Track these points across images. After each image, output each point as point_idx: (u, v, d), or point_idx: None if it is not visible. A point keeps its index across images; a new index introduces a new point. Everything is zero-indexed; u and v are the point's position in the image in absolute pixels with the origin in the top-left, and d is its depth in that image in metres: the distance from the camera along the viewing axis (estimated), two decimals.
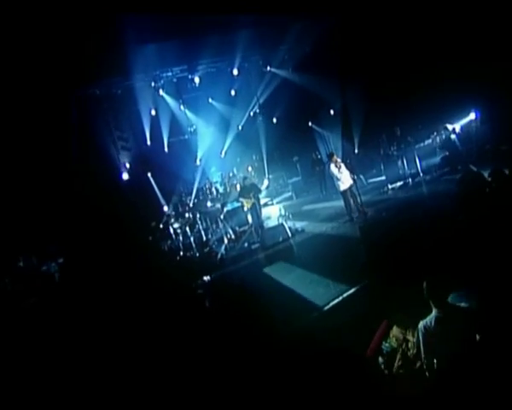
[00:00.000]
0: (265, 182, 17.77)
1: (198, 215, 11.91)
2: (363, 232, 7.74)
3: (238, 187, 13.10)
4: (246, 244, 10.93)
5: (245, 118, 19.00)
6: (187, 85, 15.78)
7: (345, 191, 9.76)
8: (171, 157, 17.18)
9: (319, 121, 17.14)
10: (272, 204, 16.60)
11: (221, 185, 18.18)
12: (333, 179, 10.07)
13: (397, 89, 13.06)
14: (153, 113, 15.96)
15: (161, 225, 11.05)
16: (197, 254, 10.52)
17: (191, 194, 16.75)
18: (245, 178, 11.46)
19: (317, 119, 17.14)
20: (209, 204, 15.98)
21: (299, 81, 15.71)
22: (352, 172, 9.83)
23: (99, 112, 13.51)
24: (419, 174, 11.84)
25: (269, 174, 19.16)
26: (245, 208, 11.47)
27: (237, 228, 12.67)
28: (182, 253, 10.88)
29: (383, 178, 13.22)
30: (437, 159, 12.21)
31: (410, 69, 12.69)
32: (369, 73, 13.67)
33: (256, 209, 10.97)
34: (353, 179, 9.75)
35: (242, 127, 19.54)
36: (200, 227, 11.75)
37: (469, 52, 11.02)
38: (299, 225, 11.04)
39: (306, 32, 14.73)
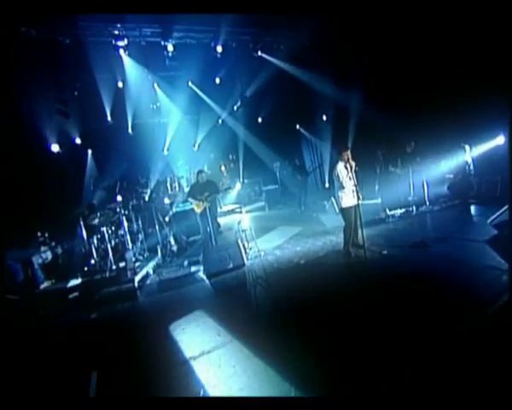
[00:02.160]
0: (238, 186, 14.26)
1: (133, 212, 8.12)
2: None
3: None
4: (186, 263, 7.23)
5: (227, 111, 15.42)
6: (159, 56, 12.03)
7: (348, 209, 6.15)
8: (135, 140, 13.40)
9: (308, 126, 13.67)
10: (241, 212, 12.97)
11: (187, 182, 14.50)
12: (332, 188, 6.47)
13: (408, 98, 9.70)
14: (119, 85, 12.16)
15: (74, 220, 7.13)
16: (107, 270, 6.62)
17: (148, 186, 13.08)
18: (199, 173, 7.80)
19: (307, 122, 13.67)
20: (167, 201, 12.26)
21: (293, 74, 12.19)
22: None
23: (33, 60, 9.61)
24: (425, 203, 8.49)
25: (244, 178, 15.59)
26: (196, 211, 7.81)
27: (184, 237, 8.97)
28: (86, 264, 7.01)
29: (378, 201, 9.81)
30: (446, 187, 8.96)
31: (427, 75, 9.35)
32: (377, 76, 10.28)
33: (207, 216, 7.31)
34: (358, 195, 6.03)
35: (223, 121, 15.94)
36: (135, 228, 7.96)
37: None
38: (263, 247, 7.45)
39: (307, 21, 11.32)
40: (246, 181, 15.48)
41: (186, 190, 14.01)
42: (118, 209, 7.69)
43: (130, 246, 7.24)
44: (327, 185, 11.38)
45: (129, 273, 6.30)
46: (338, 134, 12.17)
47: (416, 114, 9.24)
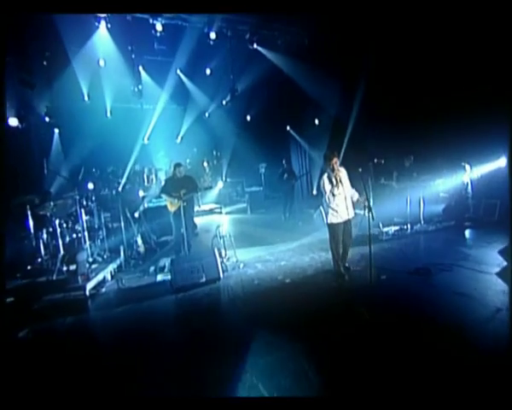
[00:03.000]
0: (219, 184, 13.11)
1: (96, 203, 6.84)
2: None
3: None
4: (152, 269, 6.05)
5: (215, 105, 14.25)
6: (147, 35, 10.69)
7: (334, 226, 5.13)
8: (112, 125, 12.02)
9: (299, 128, 12.68)
10: (221, 213, 11.86)
11: (166, 175, 13.23)
12: (320, 199, 5.46)
13: (410, 110, 8.89)
14: (101, 63, 10.74)
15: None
16: (55, 272, 5.34)
17: (122, 176, 11.78)
18: (177, 166, 6.63)
19: (298, 125, 12.67)
20: (141, 194, 10.99)
21: (288, 73, 11.15)
22: (362, 192, 5.07)
23: None
24: (420, 221, 7.65)
25: (226, 177, 14.47)
26: (169, 210, 6.63)
27: (154, 237, 7.76)
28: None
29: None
30: (441, 207, 8.19)
31: (431, 87, 8.56)
32: (378, 84, 9.41)
33: (181, 217, 6.16)
34: (366, 206, 4.90)
35: (209, 115, 14.75)
36: (96, 223, 6.69)
37: None
38: (242, 257, 6.39)
39: (308, 19, 10.33)
40: (228, 180, 14.37)
41: (162, 182, 12.79)
42: (78, 199, 6.43)
43: (87, 244, 6.00)
44: (314, 192, 10.46)
45: (80, 279, 5.07)
46: (330, 140, 11.24)
47: (416, 127, 8.44)
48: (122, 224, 6.67)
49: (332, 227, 5.13)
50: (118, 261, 6.22)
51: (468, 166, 7.56)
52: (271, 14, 10.53)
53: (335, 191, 4.91)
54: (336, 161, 4.93)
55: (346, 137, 10.72)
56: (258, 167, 13.63)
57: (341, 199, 4.98)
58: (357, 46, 9.76)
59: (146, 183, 11.88)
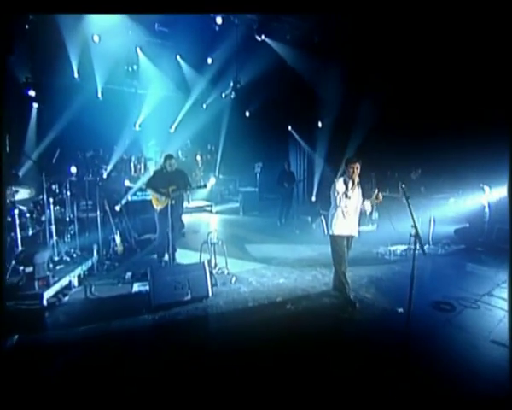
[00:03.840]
0: (212, 180, 12.07)
1: (72, 191, 5.77)
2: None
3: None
4: (128, 275, 5.03)
5: (213, 97, 13.18)
6: (147, 15, 9.56)
7: (340, 239, 4.38)
8: (103, 107, 10.81)
9: (301, 130, 11.76)
10: (211, 211, 10.87)
11: (155, 166, 12.14)
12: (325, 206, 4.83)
13: (421, 121, 8.09)
14: (95, 39, 9.56)
15: None
16: (6, 273, 4.26)
17: (109, 162, 10.67)
18: (168, 158, 5.59)
19: (300, 126, 11.75)
20: (127, 183, 9.92)
21: (294, 70, 10.19)
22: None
23: None
24: (428, 242, 6.85)
25: (220, 173, 13.45)
26: (155, 207, 5.61)
27: (135, 235, 6.73)
28: None
29: (372, 227, 8.19)
30: (450, 227, 7.44)
31: (446, 97, 7.77)
32: (390, 91, 8.56)
33: (167, 216, 5.14)
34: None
35: (207, 107, 13.67)
36: (68, 215, 5.62)
37: None
38: (235, 269, 5.44)
39: (321, 17, 9.40)
40: (221, 177, 13.34)
41: (152, 173, 11.69)
42: (49, 185, 5.35)
43: (54, 240, 4.93)
44: (313, 199, 9.60)
45: (36, 284, 4.02)
46: (332, 145, 10.39)
47: (430, 140, 7.63)
48: (99, 217, 5.59)
49: (336, 239, 4.40)
50: (89, 262, 5.16)
51: (487, 188, 6.78)
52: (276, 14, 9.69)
53: (349, 193, 4.23)
54: (358, 167, 4.22)
55: (350, 144, 9.87)
56: (254, 166, 12.64)
57: (352, 208, 4.33)
58: (370, 52, 8.89)
59: (133, 172, 10.78)
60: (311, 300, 4.46)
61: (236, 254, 6.21)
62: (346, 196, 4.22)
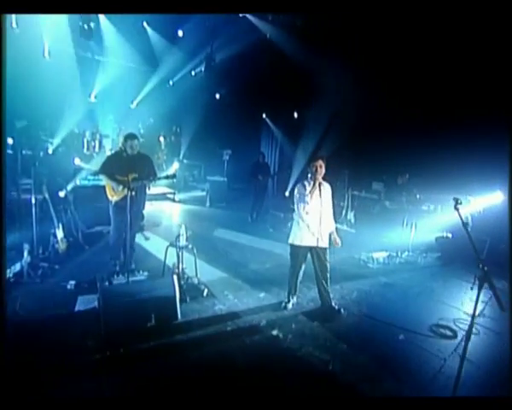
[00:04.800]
0: (175, 165, 10.83)
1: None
2: None
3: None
4: (70, 285, 3.84)
5: (182, 73, 11.74)
6: None
7: (295, 249, 3.86)
8: (50, 71, 8.91)
9: (276, 119, 10.84)
10: (174, 199, 9.66)
11: (112, 145, 10.57)
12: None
13: (411, 125, 7.51)
14: None
15: None
16: None
17: (56, 136, 9.03)
18: (130, 138, 4.34)
19: (275, 114, 10.82)
20: (78, 162, 8.39)
21: (277, 51, 9.07)
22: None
23: None
24: (408, 249, 6.38)
25: (184, 158, 12.17)
26: (110, 198, 4.40)
27: (84, 227, 5.42)
28: None
29: (349, 229, 7.64)
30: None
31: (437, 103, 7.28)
32: (377, 83, 7.89)
33: (125, 211, 4.00)
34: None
35: (174, 84, 12.18)
36: None
37: None
38: (206, 277, 4.46)
39: None
40: (185, 162, 12.07)
41: (107, 152, 10.10)
42: None
43: None
44: (287, 194, 8.84)
45: None
46: (308, 138, 9.65)
47: (418, 141, 7.12)
48: (34, 208, 4.25)
49: (292, 250, 3.91)
50: (17, 266, 3.87)
51: (472, 199, 6.43)
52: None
53: (308, 198, 3.59)
54: (321, 165, 3.62)
55: (327, 139, 9.19)
56: (222, 154, 11.59)
57: (314, 216, 3.67)
58: (357, 42, 8.14)
59: (85, 149, 9.20)
60: (300, 323, 3.66)
61: (205, 255, 5.19)
62: (304, 200, 3.60)
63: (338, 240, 3.86)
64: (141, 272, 4.30)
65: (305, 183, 3.70)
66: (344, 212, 8.35)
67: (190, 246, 4.41)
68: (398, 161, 7.29)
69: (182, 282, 4.14)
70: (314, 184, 3.60)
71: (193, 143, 12.10)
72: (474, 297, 2.36)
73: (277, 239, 6.80)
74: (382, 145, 8.04)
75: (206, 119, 11.69)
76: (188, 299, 3.83)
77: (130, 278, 3.86)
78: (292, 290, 3.98)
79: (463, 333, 3.70)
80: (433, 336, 3.65)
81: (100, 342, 2.91)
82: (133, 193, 4.16)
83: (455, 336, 3.69)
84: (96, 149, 9.62)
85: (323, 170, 3.63)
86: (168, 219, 7.62)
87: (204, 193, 10.21)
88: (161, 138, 11.22)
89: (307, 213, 3.64)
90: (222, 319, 3.56)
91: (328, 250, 3.81)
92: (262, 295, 4.26)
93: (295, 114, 10.09)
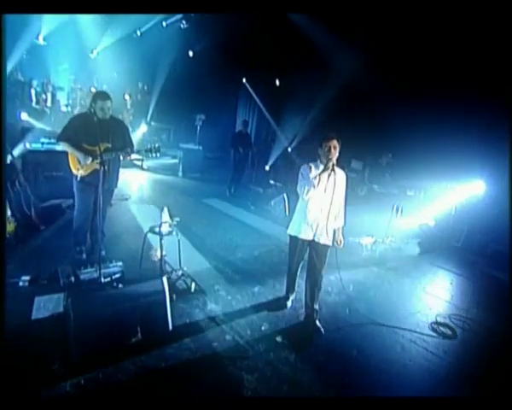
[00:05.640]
0: (143, 128, 9.68)
1: None
2: None
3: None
4: (23, 281, 3.00)
5: (152, 23, 10.14)
6: None
7: (294, 241, 3.21)
8: None
9: (256, 84, 9.90)
10: (141, 168, 8.61)
11: (67, 99, 9.04)
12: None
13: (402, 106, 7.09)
14: None
15: None
16: None
17: None
18: (100, 98, 3.40)
19: (255, 79, 9.86)
20: (25, 117, 7.00)
21: (261, 14, 8.03)
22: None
23: None
24: (392, 235, 6.17)
25: (151, 120, 10.91)
26: (75, 173, 3.49)
27: (38, 202, 4.41)
28: None
29: None
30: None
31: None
32: (365, 55, 7.30)
33: (98, 189, 3.16)
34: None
35: (142, 35, 10.56)
36: None
37: None
38: (191, 270, 3.81)
39: None
40: (153, 124, 10.84)
41: (63, 111, 8.64)
42: None
43: None
44: (267, 168, 8.23)
45: None
46: (289, 110, 8.94)
47: (404, 119, 6.74)
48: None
49: (291, 241, 3.29)
50: None
51: (457, 186, 6.30)
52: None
53: (316, 183, 2.88)
54: (335, 146, 2.90)
55: (310, 111, 8.58)
56: (195, 118, 10.54)
57: (319, 204, 3.01)
58: (345, 15, 7.35)
59: (34, 102, 7.71)
60: (301, 332, 3.19)
61: (185, 238, 4.51)
62: (309, 183, 2.89)
63: (341, 240, 3.29)
64: (113, 262, 3.53)
65: (312, 165, 3.03)
66: None
67: (175, 233, 3.72)
68: (380, 141, 6.96)
69: (164, 268, 3.50)
70: (326, 167, 2.91)
71: (162, 103, 10.81)
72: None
73: (260, 216, 6.33)
74: (366, 123, 7.68)
75: (178, 78, 10.43)
76: (174, 297, 3.20)
77: (103, 270, 3.17)
78: (290, 286, 3.50)
79: (459, 330, 3.58)
80: (435, 337, 3.44)
81: (69, 368, 2.23)
82: (106, 167, 3.31)
83: (454, 335, 3.52)
84: (48, 104, 8.13)
85: (337, 152, 2.96)
86: (139, 190, 6.70)
87: (175, 160, 9.25)
88: (127, 96, 9.82)
89: (311, 198, 2.99)
90: (217, 324, 3.00)
91: (328, 250, 3.18)
92: (256, 289, 3.75)
93: (277, 82, 9.23)
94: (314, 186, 2.89)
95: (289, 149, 8.79)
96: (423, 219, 6.50)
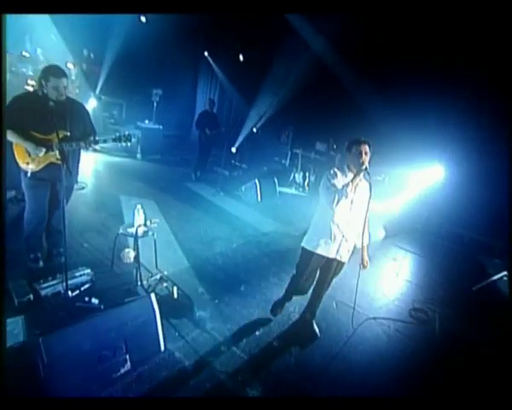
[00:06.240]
0: (92, 102, 8.61)
1: None
2: None
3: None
4: None
5: None
6: None
7: (309, 255, 2.71)
8: None
9: (219, 59, 9.20)
10: (94, 149, 7.64)
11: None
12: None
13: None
14: None
15: None
16: None
17: None
18: (52, 73, 2.72)
19: (220, 54, 9.14)
20: None
21: None
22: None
23: None
24: None
25: (101, 93, 9.70)
26: (23, 167, 2.83)
27: None
28: None
29: (301, 192, 7.24)
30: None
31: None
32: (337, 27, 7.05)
33: (52, 187, 2.62)
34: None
35: None
36: None
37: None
38: (169, 271, 3.44)
39: None
40: (103, 98, 9.66)
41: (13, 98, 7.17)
42: None
43: None
44: (233, 150, 7.80)
45: None
46: (257, 86, 8.48)
47: (375, 100, 6.73)
48: None
49: (304, 255, 2.76)
50: None
51: (420, 171, 6.55)
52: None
53: (348, 193, 2.42)
54: (366, 152, 2.49)
55: (270, 90, 8.22)
56: (151, 93, 9.58)
57: (345, 218, 2.60)
58: None
59: None
60: (296, 334, 3.08)
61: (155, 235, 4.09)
62: (342, 192, 2.42)
63: (367, 261, 2.81)
64: (80, 269, 3.04)
65: (338, 171, 2.58)
66: (292, 174, 7.90)
67: (151, 233, 3.30)
68: (351, 126, 6.93)
69: (144, 282, 3.11)
70: (357, 175, 2.47)
71: (112, 75, 9.59)
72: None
73: (231, 204, 6.03)
74: (334, 105, 7.61)
75: (129, 47, 9.26)
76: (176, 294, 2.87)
77: (69, 281, 2.69)
78: (287, 298, 3.14)
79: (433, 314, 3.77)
80: (415, 323, 3.58)
81: None
82: (65, 160, 2.73)
83: (428, 319, 3.69)
84: None
85: (368, 159, 2.50)
86: (95, 179, 5.93)
87: (135, 140, 8.36)
88: (70, 65, 8.49)
89: (339, 210, 2.54)
90: (210, 335, 2.75)
91: (344, 267, 2.86)
92: (242, 288, 3.53)
93: (241, 57, 8.67)
94: (346, 196, 2.43)
95: (254, 130, 8.43)
96: (388, 203, 6.74)
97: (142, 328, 2.19)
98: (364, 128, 7.16)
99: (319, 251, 2.67)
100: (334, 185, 2.47)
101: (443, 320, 3.67)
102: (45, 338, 1.77)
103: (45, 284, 2.77)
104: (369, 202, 2.55)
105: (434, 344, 3.26)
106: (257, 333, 2.90)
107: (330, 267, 2.78)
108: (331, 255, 2.69)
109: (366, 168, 2.44)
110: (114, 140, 3.10)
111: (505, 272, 4.46)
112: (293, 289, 3.04)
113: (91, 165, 6.67)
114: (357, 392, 2.48)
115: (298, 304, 3.36)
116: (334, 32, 6.95)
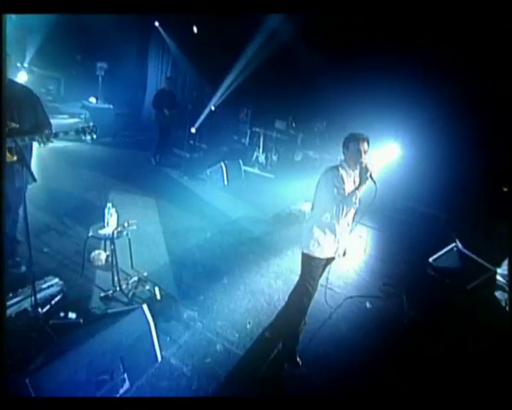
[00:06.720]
0: (22, 76, 7.44)
1: None
2: None
3: None
4: None
5: None
6: None
7: (315, 261, 2.51)
8: None
9: (171, 29, 8.41)
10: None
11: None
12: None
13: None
14: None
15: None
16: None
17: None
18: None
19: (170, 23, 8.34)
20: None
21: None
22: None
23: None
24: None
25: (32, 64, 8.44)
26: None
27: None
28: None
29: (267, 174, 7.21)
30: None
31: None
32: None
33: (1, 184, 2.23)
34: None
35: None
36: None
37: None
38: (145, 271, 3.22)
39: None
40: (35, 70, 8.39)
41: None
42: None
43: None
44: (193, 130, 7.37)
45: None
46: (212, 61, 8.02)
47: (338, 84, 6.76)
48: None
49: (311, 263, 2.55)
50: None
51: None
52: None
53: (358, 200, 2.36)
54: (366, 150, 2.35)
55: (235, 64, 7.86)
56: (95, 66, 8.56)
57: (347, 219, 2.51)
58: None
59: None
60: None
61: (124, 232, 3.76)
62: (351, 200, 2.33)
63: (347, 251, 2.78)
64: (46, 279, 2.69)
65: (342, 172, 2.41)
66: (255, 154, 7.78)
67: (125, 233, 3.03)
68: (314, 108, 7.00)
69: (124, 286, 2.87)
70: (362, 184, 2.35)
71: (44, 44, 8.31)
72: None
73: (197, 188, 5.80)
74: (291, 82, 7.55)
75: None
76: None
77: (37, 295, 2.38)
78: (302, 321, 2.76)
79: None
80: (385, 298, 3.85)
81: None
82: (15, 158, 2.34)
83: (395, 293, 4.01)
84: None
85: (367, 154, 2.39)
86: (43, 170, 5.18)
87: (74, 120, 7.48)
88: None
89: (347, 213, 2.41)
90: (202, 334, 2.66)
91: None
92: (225, 280, 3.45)
93: (194, 29, 8.08)
94: (353, 206, 2.36)
95: (212, 108, 8.08)
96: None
97: (138, 343, 2.03)
98: (321, 106, 7.29)
99: (325, 255, 2.55)
100: (341, 195, 2.33)
101: (408, 292, 4.00)
102: (32, 378, 1.53)
103: (8, 303, 2.41)
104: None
105: (403, 315, 3.56)
106: (248, 326, 2.88)
107: (327, 264, 2.72)
108: (331, 255, 2.61)
109: (370, 172, 2.32)
110: (77, 133, 2.70)
111: (454, 244, 4.97)
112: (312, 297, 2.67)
113: (38, 153, 5.82)
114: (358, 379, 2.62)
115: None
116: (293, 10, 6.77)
